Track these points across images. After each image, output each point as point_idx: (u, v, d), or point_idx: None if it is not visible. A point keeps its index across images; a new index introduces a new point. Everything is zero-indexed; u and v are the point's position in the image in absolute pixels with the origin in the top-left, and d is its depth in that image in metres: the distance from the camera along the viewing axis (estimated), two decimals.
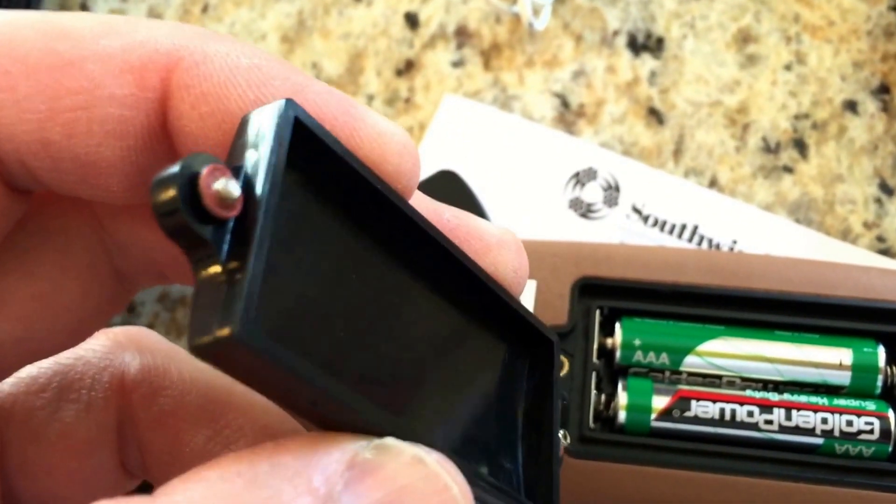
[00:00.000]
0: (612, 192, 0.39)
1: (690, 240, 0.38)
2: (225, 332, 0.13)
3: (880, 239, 0.37)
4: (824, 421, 0.27)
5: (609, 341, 0.29)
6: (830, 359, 0.28)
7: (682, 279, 0.30)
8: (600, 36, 0.42)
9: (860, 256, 0.36)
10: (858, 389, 0.28)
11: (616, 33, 0.42)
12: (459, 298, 0.20)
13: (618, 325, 0.29)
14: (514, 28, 0.42)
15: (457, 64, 0.42)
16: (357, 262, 0.18)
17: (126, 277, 0.20)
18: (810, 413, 0.27)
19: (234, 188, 0.14)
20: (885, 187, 0.38)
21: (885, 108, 0.39)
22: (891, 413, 0.27)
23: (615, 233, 0.38)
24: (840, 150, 0.39)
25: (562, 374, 0.29)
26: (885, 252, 0.37)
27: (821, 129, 0.39)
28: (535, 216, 0.39)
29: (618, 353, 0.29)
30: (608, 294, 0.30)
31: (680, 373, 0.29)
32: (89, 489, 0.22)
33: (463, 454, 0.18)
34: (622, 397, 0.28)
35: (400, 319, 0.18)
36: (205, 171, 0.14)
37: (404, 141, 0.18)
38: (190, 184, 0.14)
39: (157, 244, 0.20)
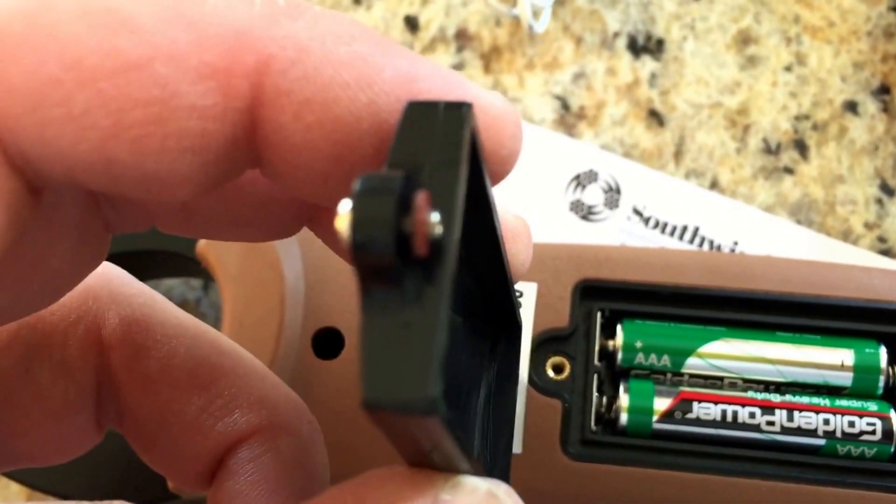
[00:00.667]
0: (612, 194, 0.39)
1: (692, 241, 0.38)
2: (417, 401, 0.12)
3: (881, 239, 0.37)
4: (826, 422, 0.27)
5: (610, 343, 0.29)
6: (832, 360, 0.28)
7: (683, 281, 0.29)
8: (600, 38, 0.42)
9: (861, 257, 0.36)
10: (860, 390, 0.28)
11: (616, 35, 0.42)
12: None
13: (619, 328, 0.29)
14: (513, 31, 0.43)
15: (457, 67, 0.42)
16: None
17: (115, 227, 0.18)
18: (812, 414, 0.27)
19: (439, 226, 0.12)
20: (885, 188, 0.38)
21: (886, 109, 0.39)
22: (892, 414, 0.27)
23: (616, 235, 0.38)
24: (841, 150, 0.39)
25: (563, 376, 0.29)
26: (886, 252, 0.37)
27: (821, 130, 0.39)
28: (536, 219, 0.39)
29: (619, 356, 0.29)
30: (609, 296, 0.30)
31: (681, 374, 0.29)
32: (64, 447, 0.21)
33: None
34: (624, 399, 0.28)
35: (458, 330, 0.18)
36: (421, 198, 0.12)
37: (517, 120, 0.16)
38: (402, 210, 0.12)
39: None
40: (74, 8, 0.13)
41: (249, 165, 0.16)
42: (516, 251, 0.19)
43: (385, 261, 0.12)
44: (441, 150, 0.13)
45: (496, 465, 0.20)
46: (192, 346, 0.20)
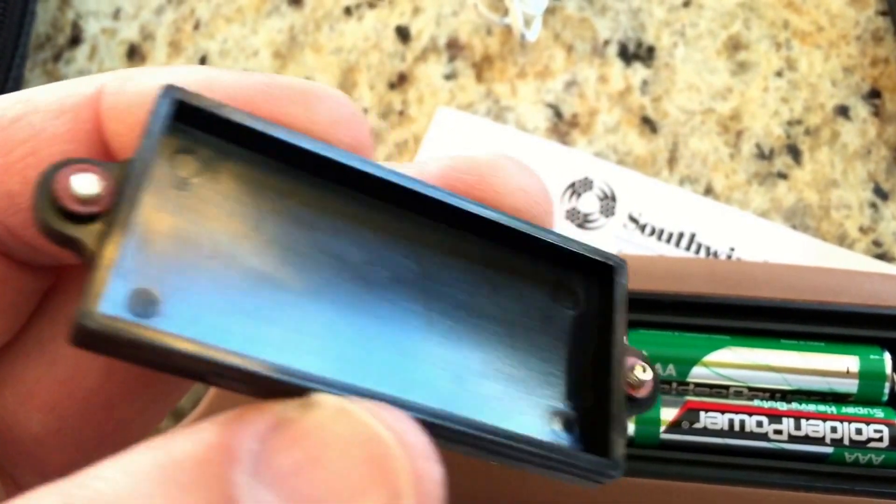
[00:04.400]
0: (608, 202, 0.39)
1: (688, 248, 0.38)
2: (79, 322, 0.14)
3: (876, 243, 0.37)
4: (833, 430, 0.27)
5: None
6: (837, 366, 0.28)
7: (686, 289, 0.30)
8: (591, 46, 0.42)
9: (857, 261, 0.37)
10: (866, 397, 0.28)
11: (607, 43, 0.42)
12: (477, 245, 0.19)
13: None
14: (504, 40, 0.43)
15: (449, 76, 0.42)
16: (299, 221, 0.18)
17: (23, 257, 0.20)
18: (819, 422, 0.27)
19: (90, 185, 0.15)
20: (879, 191, 0.38)
21: (877, 113, 0.39)
22: None
23: (613, 242, 0.38)
24: (833, 155, 0.39)
25: None
26: (881, 256, 0.37)
27: (814, 135, 0.39)
28: None
29: None
30: None
31: (687, 384, 0.29)
32: None
33: (465, 406, 0.18)
34: None
35: (371, 278, 0.18)
36: (57, 174, 0.15)
37: (329, 93, 0.19)
38: (48, 189, 0.15)
39: None
40: None
41: None
42: (501, 182, 0.19)
43: (52, 232, 0.15)
44: (143, 127, 0.16)
45: (604, 414, 0.19)
46: None
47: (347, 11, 0.44)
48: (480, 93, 0.42)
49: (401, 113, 0.42)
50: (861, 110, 0.40)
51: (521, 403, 0.19)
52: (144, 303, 0.15)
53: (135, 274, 0.15)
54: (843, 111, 0.40)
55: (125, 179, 0.16)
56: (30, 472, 0.20)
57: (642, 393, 0.20)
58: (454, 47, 0.43)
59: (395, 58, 0.43)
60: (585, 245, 0.20)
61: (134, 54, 0.44)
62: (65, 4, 0.45)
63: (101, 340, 0.15)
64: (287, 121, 0.18)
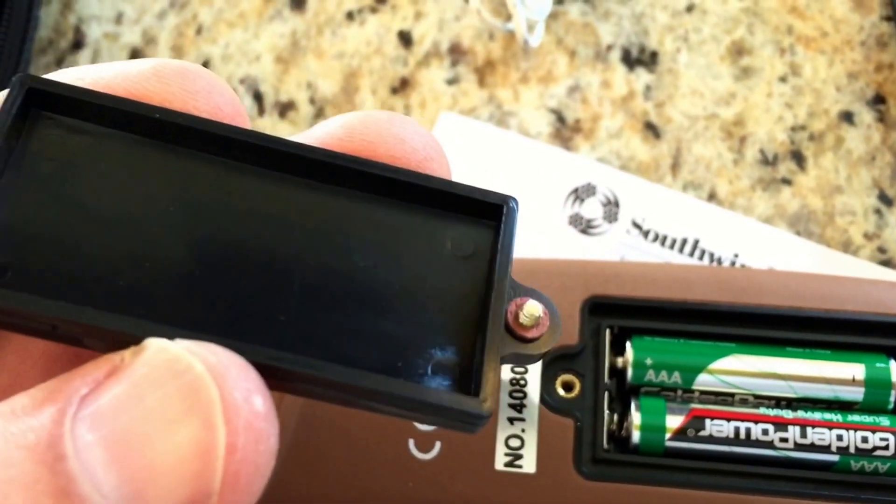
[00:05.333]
0: (611, 208, 0.39)
1: (692, 254, 0.38)
2: None
3: (881, 250, 0.37)
4: (839, 438, 0.27)
5: (620, 360, 0.29)
6: (843, 374, 0.28)
7: (692, 297, 0.29)
8: (594, 51, 0.42)
9: (862, 268, 0.36)
10: (872, 405, 0.28)
11: (610, 48, 0.42)
12: (357, 200, 0.20)
13: (628, 345, 0.29)
14: (507, 45, 0.42)
15: (451, 81, 0.42)
16: (165, 191, 0.19)
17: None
18: (825, 430, 0.27)
19: None
20: (884, 198, 0.38)
21: (882, 119, 0.39)
22: None
23: (616, 248, 0.38)
24: (838, 161, 0.39)
25: (573, 395, 0.29)
26: (886, 263, 0.37)
27: (818, 141, 0.39)
28: (535, 233, 0.39)
29: (629, 373, 0.29)
30: (618, 313, 0.30)
31: (692, 391, 0.29)
32: None
33: (328, 350, 0.18)
34: (636, 417, 0.28)
35: (240, 237, 0.19)
36: None
37: (185, 67, 0.20)
38: None
39: None
40: None
41: None
42: (372, 130, 0.20)
43: None
44: None
45: (479, 357, 0.18)
46: None
47: (349, 16, 0.43)
48: (483, 98, 0.42)
49: None
50: (865, 116, 0.39)
51: (400, 352, 0.19)
52: None
53: None
54: (847, 117, 0.40)
55: None
56: None
57: (533, 333, 0.19)
58: (457, 52, 0.43)
59: (397, 63, 0.43)
60: (470, 187, 0.20)
61: (136, 58, 0.44)
62: (67, 9, 0.45)
63: None
64: (149, 97, 0.19)
